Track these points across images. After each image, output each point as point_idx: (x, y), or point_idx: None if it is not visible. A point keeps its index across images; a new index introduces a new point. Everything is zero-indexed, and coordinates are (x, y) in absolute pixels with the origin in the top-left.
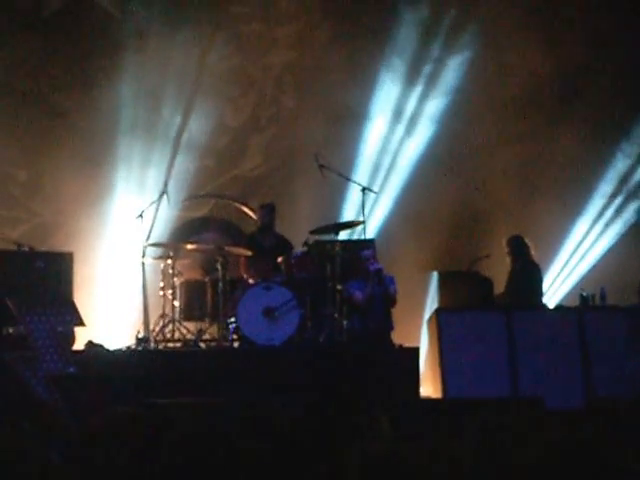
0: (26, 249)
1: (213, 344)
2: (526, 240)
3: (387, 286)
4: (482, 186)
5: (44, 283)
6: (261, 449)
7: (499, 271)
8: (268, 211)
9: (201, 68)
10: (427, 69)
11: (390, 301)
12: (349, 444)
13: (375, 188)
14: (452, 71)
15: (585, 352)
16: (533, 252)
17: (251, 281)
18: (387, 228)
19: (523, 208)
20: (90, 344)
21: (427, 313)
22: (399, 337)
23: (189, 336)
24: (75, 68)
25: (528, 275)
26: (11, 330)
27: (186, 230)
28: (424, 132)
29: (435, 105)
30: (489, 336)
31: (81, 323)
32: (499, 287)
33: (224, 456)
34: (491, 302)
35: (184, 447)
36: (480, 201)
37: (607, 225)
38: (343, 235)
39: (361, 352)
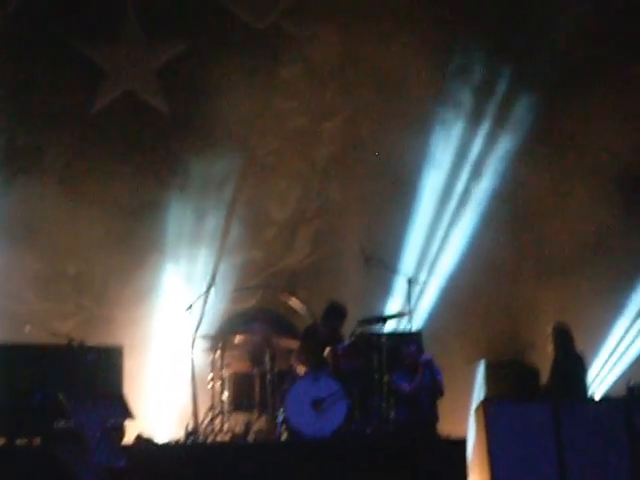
0: (76, 343)
1: (261, 437)
2: (569, 331)
3: (435, 377)
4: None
5: (94, 377)
6: None
7: (545, 361)
8: (339, 316)
9: (248, 161)
10: (473, 152)
11: (437, 392)
12: None
13: (421, 278)
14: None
15: (634, 444)
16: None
17: (301, 371)
18: (433, 317)
19: (570, 292)
20: (139, 438)
21: (474, 403)
22: (445, 428)
23: (238, 428)
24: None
25: (571, 366)
26: (63, 424)
27: (234, 322)
28: (467, 225)
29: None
30: (536, 427)
31: (130, 416)
32: (545, 375)
33: None
34: (537, 392)
35: None
36: (526, 292)
37: None
38: (389, 326)
39: (408, 444)
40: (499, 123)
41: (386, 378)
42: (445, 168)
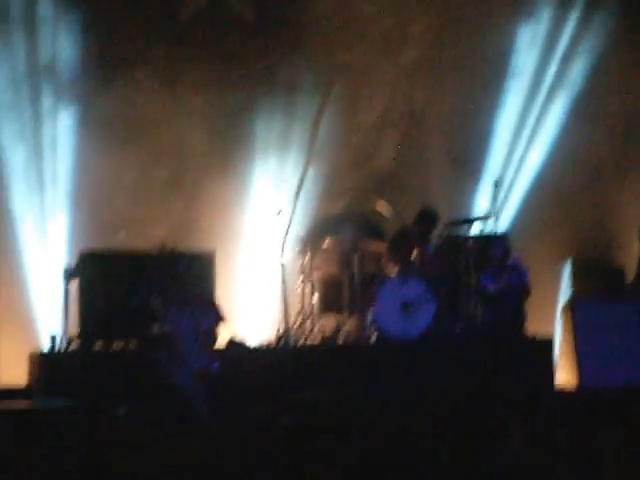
0: (169, 249)
1: (351, 339)
2: None
3: (521, 278)
4: (615, 173)
5: (187, 283)
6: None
7: (632, 260)
8: (431, 221)
9: (332, 69)
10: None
11: (524, 292)
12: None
13: (507, 179)
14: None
15: None
16: None
17: (390, 273)
18: (519, 218)
19: None
20: (231, 342)
21: (560, 303)
22: (532, 328)
23: (327, 331)
24: (212, 73)
25: None
26: (157, 329)
27: (323, 226)
28: (554, 124)
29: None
30: (623, 325)
31: (223, 320)
32: (630, 274)
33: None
34: (623, 291)
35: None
36: (612, 190)
37: None
38: (476, 228)
39: (496, 344)
40: (589, 12)
41: (473, 279)
42: (531, 66)
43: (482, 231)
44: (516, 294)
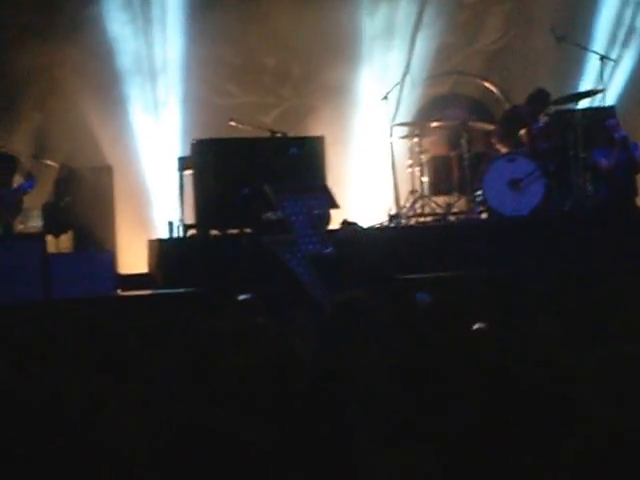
0: (279, 135)
1: (462, 217)
2: None
3: (632, 152)
4: None
5: (298, 168)
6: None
7: None
8: (543, 100)
9: None
10: None
11: (635, 167)
12: None
13: (613, 56)
14: None
15: None
16: None
17: (498, 152)
18: (626, 93)
19: None
20: (345, 223)
21: None
22: None
23: (438, 210)
24: None
25: None
26: (270, 215)
27: (430, 108)
28: None
29: None
30: None
31: (335, 205)
32: None
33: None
34: None
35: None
36: None
37: None
38: (583, 104)
39: (607, 218)
40: None
41: (583, 155)
42: None
43: (590, 106)
44: (626, 169)
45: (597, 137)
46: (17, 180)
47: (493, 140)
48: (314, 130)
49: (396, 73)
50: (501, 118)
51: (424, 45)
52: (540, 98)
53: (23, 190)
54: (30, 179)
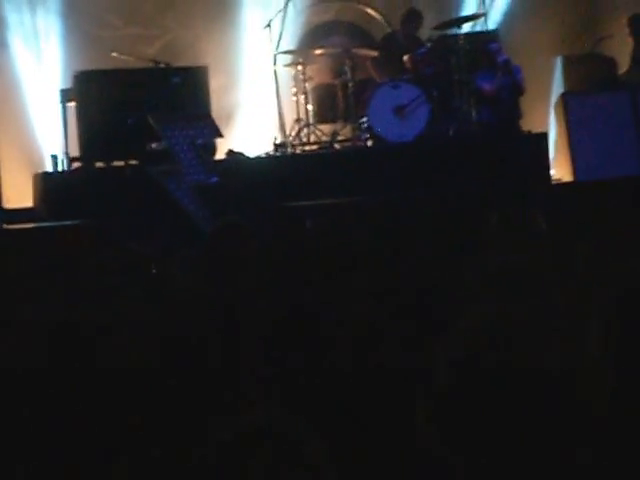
0: (163, 66)
1: (347, 144)
2: None
3: (515, 76)
4: None
5: (182, 98)
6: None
7: (622, 51)
8: (415, 20)
9: None
10: None
11: (518, 90)
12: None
13: None
14: None
15: None
16: None
17: (381, 79)
18: (508, 16)
19: None
20: (231, 152)
21: (553, 98)
22: (527, 124)
23: (324, 138)
24: None
25: None
26: (154, 146)
27: (314, 35)
28: None
29: None
30: (616, 116)
31: (219, 134)
32: (624, 66)
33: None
34: (615, 82)
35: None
36: None
37: None
38: (466, 28)
39: (492, 141)
40: None
41: (466, 78)
42: None
43: (472, 30)
44: (510, 92)
45: (479, 61)
46: None
47: (371, 66)
48: (198, 61)
49: (279, 1)
50: (379, 45)
51: None
52: (412, 18)
53: None
54: None
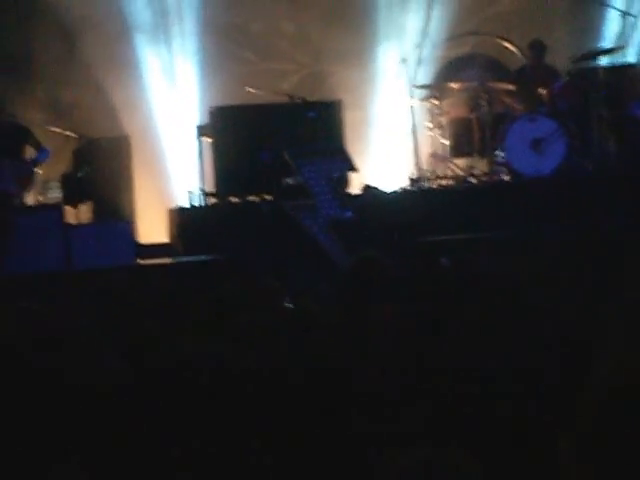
0: (298, 100)
1: (484, 179)
2: None
3: None
4: None
5: (317, 132)
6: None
7: None
8: (538, 50)
9: None
10: None
11: None
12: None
13: (633, 12)
14: None
15: None
16: None
17: (518, 112)
18: None
19: None
20: (367, 187)
21: None
22: None
23: (460, 173)
24: None
25: None
26: (289, 181)
27: (450, 69)
28: None
29: None
30: None
31: (353, 168)
32: None
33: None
34: None
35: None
36: None
37: None
38: (605, 61)
39: (629, 177)
40: None
41: (605, 113)
42: None
43: (612, 63)
44: None
45: (624, 92)
46: (28, 151)
47: (509, 100)
48: (333, 96)
49: (414, 36)
50: (514, 78)
51: (443, 7)
52: (534, 48)
53: (37, 162)
54: (43, 151)
